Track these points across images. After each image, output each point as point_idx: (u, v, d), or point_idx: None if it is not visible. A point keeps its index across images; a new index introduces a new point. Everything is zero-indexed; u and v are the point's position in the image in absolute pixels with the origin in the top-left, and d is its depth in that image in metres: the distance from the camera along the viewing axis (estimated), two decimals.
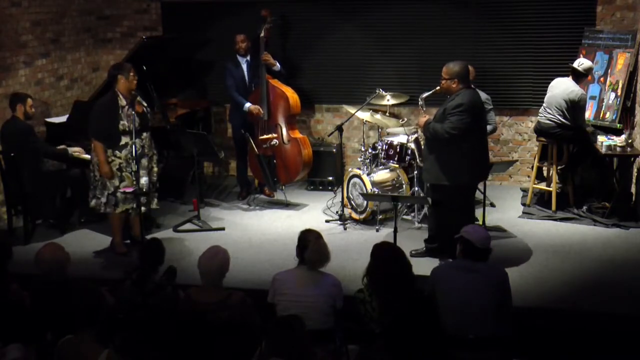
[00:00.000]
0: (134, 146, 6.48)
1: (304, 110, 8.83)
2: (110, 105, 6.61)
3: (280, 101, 8.14)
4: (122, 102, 6.59)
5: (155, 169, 6.92)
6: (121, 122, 6.56)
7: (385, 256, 4.56)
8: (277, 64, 8.19)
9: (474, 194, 6.62)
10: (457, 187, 6.23)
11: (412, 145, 7.45)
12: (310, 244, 4.81)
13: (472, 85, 7.53)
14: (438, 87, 6.37)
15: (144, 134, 6.73)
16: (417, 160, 7.37)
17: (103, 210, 6.77)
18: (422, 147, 7.13)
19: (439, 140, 6.18)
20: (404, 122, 7.81)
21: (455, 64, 6.23)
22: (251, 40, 8.22)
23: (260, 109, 8.06)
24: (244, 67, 8.27)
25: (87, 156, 7.16)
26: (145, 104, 6.75)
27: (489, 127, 7.57)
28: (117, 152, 6.59)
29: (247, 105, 8.09)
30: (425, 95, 6.54)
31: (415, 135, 7.52)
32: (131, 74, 6.62)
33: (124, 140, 6.60)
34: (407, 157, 7.47)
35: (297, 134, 8.28)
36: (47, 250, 4.96)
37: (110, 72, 6.75)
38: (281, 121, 8.15)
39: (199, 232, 7.38)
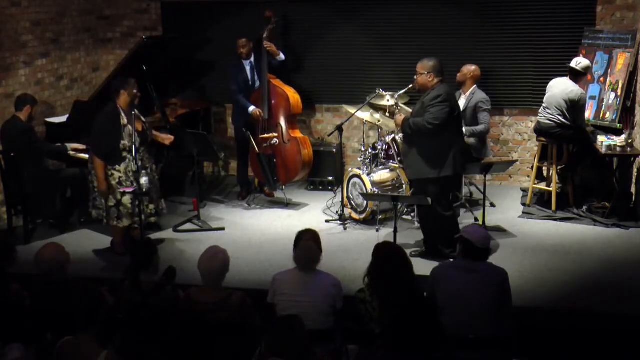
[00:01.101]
0: (134, 146, 6.48)
1: (305, 110, 8.83)
2: (113, 123, 6.55)
3: (281, 101, 8.16)
4: (124, 120, 6.56)
5: (156, 177, 6.90)
6: (122, 142, 6.55)
7: (387, 256, 4.56)
8: (281, 53, 8.24)
9: (456, 187, 6.66)
10: (440, 180, 6.26)
11: (392, 145, 7.51)
12: (299, 244, 4.84)
13: (475, 86, 7.63)
14: (411, 85, 6.53)
15: (141, 148, 6.69)
16: (396, 160, 7.40)
17: (105, 223, 6.76)
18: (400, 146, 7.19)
19: (421, 133, 6.22)
20: (380, 122, 7.81)
21: (429, 59, 6.33)
22: (254, 41, 8.24)
23: (262, 113, 8.08)
24: (248, 69, 8.30)
25: (86, 156, 7.15)
26: (144, 120, 6.77)
27: (481, 127, 7.58)
28: (116, 166, 6.58)
29: (252, 109, 8.12)
30: (399, 93, 6.67)
31: (393, 135, 7.54)
32: (134, 90, 6.60)
33: (123, 154, 6.60)
34: None
35: (298, 134, 8.29)
36: (47, 251, 4.96)
37: (114, 86, 6.66)
38: (282, 121, 8.16)
39: (199, 232, 7.38)
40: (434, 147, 6.22)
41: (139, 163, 6.57)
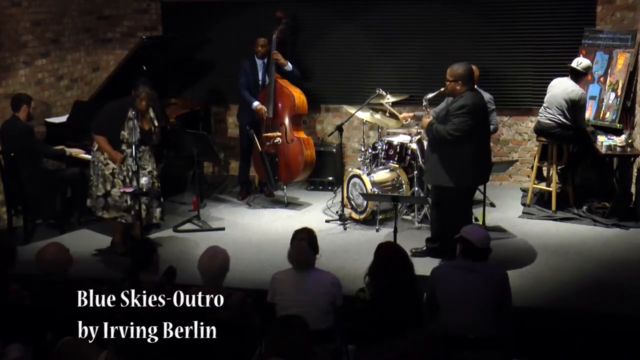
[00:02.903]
0: (134, 146, 6.48)
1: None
2: (119, 112, 6.61)
3: (286, 101, 8.17)
4: (131, 114, 6.59)
5: (157, 184, 6.86)
6: (122, 132, 6.58)
7: (388, 256, 4.56)
8: (289, 63, 8.26)
9: (474, 194, 6.63)
10: (459, 189, 6.22)
11: (414, 146, 7.45)
12: (292, 244, 4.84)
13: (476, 87, 7.56)
14: (443, 89, 6.36)
15: (142, 147, 6.68)
16: (420, 161, 7.36)
17: (95, 212, 6.77)
18: (425, 148, 7.13)
19: (441, 141, 6.17)
20: (406, 122, 7.78)
21: (460, 65, 6.18)
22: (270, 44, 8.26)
23: (265, 109, 8.08)
24: (260, 68, 8.33)
25: (87, 156, 7.16)
26: (156, 123, 6.79)
27: (491, 128, 7.56)
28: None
29: (255, 104, 8.14)
30: (429, 96, 6.56)
31: (418, 137, 7.52)
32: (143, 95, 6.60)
33: (122, 146, 6.61)
34: (407, 157, 7.47)
35: (302, 135, 8.30)
36: (48, 251, 4.93)
37: (138, 88, 6.59)
38: (286, 120, 8.17)
39: (199, 232, 7.38)
40: (455, 157, 6.13)
41: (139, 162, 6.58)
